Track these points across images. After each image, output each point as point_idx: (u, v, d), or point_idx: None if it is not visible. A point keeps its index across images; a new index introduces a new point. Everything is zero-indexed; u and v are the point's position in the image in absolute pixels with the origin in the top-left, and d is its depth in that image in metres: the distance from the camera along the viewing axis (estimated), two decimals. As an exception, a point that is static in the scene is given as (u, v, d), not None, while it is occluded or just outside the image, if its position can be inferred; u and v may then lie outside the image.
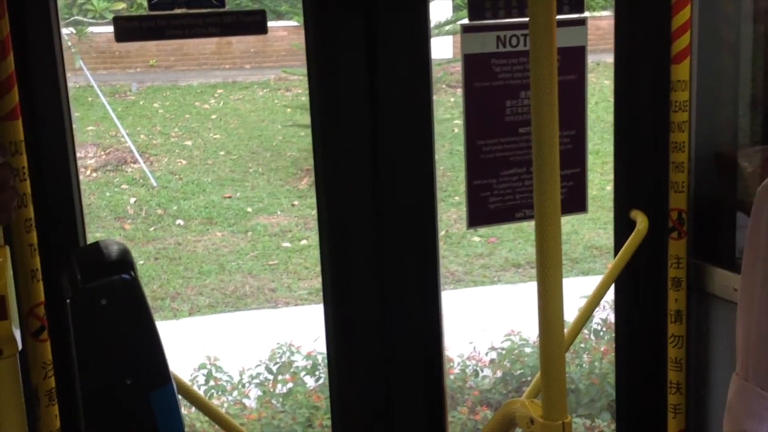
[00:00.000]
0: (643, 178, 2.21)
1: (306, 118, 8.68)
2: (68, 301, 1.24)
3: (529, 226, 6.42)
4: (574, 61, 2.06)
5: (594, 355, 4.10)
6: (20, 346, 1.16)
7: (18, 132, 1.66)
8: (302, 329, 4.84)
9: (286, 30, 9.88)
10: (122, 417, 1.25)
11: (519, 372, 4.09)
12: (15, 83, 1.66)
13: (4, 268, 1.13)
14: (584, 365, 4.01)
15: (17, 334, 1.14)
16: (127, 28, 1.81)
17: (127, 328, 1.24)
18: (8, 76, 1.65)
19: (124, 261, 1.26)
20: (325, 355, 4.06)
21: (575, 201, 2.15)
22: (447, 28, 8.49)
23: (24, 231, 1.67)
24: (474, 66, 2.02)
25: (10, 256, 1.16)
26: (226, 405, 3.95)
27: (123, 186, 7.67)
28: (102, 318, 1.22)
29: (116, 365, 1.24)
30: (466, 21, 2.03)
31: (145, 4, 1.82)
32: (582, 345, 4.14)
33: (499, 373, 4.14)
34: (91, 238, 1.93)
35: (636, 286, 2.27)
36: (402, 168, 2.05)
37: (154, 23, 1.82)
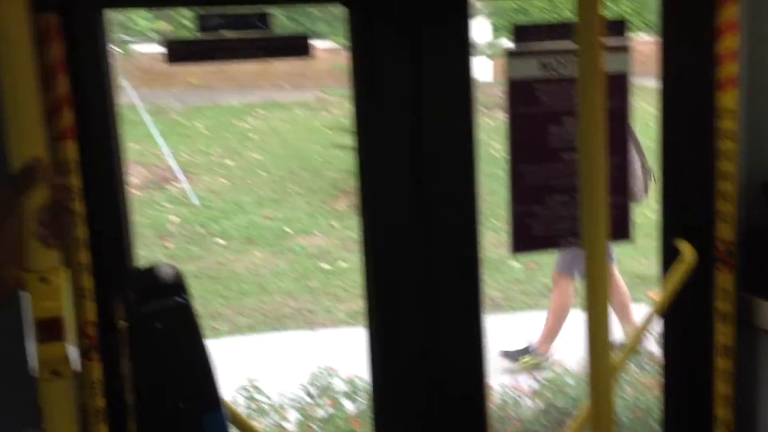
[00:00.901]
0: (690, 208, 2.17)
1: (345, 139, 8.74)
2: (124, 324, 1.26)
3: (569, 251, 6.35)
4: (617, 87, 2.04)
5: (638, 388, 4.02)
6: (75, 367, 1.17)
7: (70, 152, 1.69)
8: (341, 352, 4.83)
9: (327, 51, 9.95)
10: (174, 439, 1.26)
11: (562, 403, 4.02)
12: (68, 104, 1.70)
13: (61, 290, 1.15)
14: (628, 398, 3.93)
15: (73, 354, 1.16)
16: (179, 51, 1.85)
17: (182, 351, 1.25)
18: (62, 97, 1.69)
19: (178, 284, 1.28)
20: (365, 380, 4.04)
21: (620, 229, 2.13)
22: (488, 51, 8.49)
23: (75, 251, 1.69)
24: (518, 91, 2.02)
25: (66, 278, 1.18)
26: (265, 427, 3.95)
27: (165, 204, 7.75)
28: (157, 341, 1.23)
29: (170, 388, 1.25)
30: (510, 45, 2.04)
31: (190, 25, 1.86)
32: (626, 377, 4.06)
33: (541, 404, 4.08)
34: (135, 257, 1.96)
35: (683, 319, 2.22)
36: (445, 190, 2.05)
37: (204, 46, 1.85)
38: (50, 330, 1.13)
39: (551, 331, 4.74)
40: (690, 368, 2.24)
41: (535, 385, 4.14)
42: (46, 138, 1.20)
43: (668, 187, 2.20)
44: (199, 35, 1.85)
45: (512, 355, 4.62)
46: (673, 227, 2.18)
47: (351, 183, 8.11)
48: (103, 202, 1.85)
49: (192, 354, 1.24)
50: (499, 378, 4.19)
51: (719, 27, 2.02)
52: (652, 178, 4.40)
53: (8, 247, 1.12)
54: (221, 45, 1.85)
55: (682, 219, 2.18)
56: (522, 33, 2.00)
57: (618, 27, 2.03)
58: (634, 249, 6.46)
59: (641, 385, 4.02)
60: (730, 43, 2.01)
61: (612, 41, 2.00)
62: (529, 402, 4.08)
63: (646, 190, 4.45)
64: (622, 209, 2.12)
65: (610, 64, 2.00)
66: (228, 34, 1.85)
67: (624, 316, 4.73)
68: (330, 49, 9.84)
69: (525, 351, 4.67)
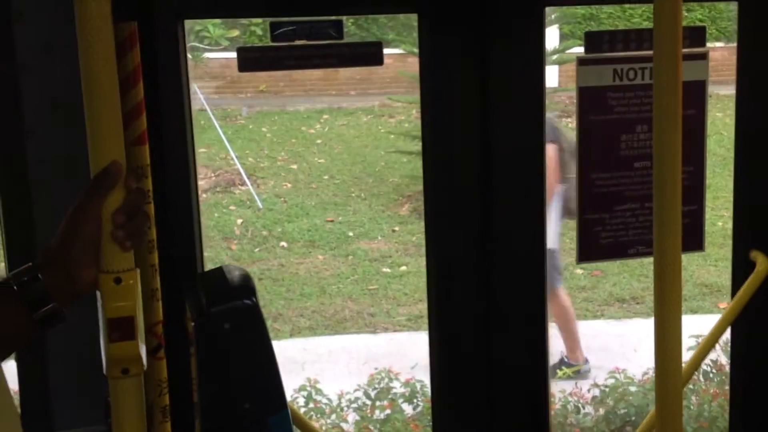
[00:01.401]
0: (765, 218, 2.13)
1: (408, 145, 8.76)
2: (193, 324, 1.28)
3: (634, 260, 6.25)
4: (694, 95, 2.01)
5: (703, 398, 3.94)
6: (145, 366, 1.20)
7: (145, 157, 1.73)
8: (400, 355, 4.83)
9: (392, 57, 9.99)
10: (240, 440, 1.28)
11: (623, 411, 3.97)
12: (144, 110, 1.73)
13: (134, 290, 1.18)
14: (693, 407, 3.86)
15: (143, 353, 1.19)
16: (250, 59, 1.87)
17: (249, 352, 1.26)
18: (138, 103, 1.72)
19: (247, 286, 1.29)
20: (424, 383, 4.04)
21: (692, 239, 2.09)
22: (554, 57, 8.41)
23: (146, 252, 1.73)
24: (589, 99, 1.99)
25: (139, 278, 1.20)
26: (324, 428, 3.98)
27: (231, 207, 7.87)
28: (225, 342, 1.25)
29: (237, 388, 1.26)
30: (580, 51, 2.01)
31: (259, 32, 1.87)
32: (691, 387, 3.99)
33: (601, 411, 4.03)
34: (203, 259, 1.99)
35: (753, 329, 2.19)
36: (512, 196, 2.04)
37: (275, 54, 1.87)
38: (122, 329, 1.15)
39: (570, 341, 4.70)
40: (758, 379, 2.20)
41: (596, 392, 4.09)
42: (123, 144, 1.23)
43: (742, 196, 2.15)
44: (271, 43, 1.87)
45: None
46: (747, 237, 2.14)
47: (413, 188, 8.14)
48: (174, 206, 1.89)
49: (259, 355, 1.26)
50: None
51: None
52: None
53: (86, 248, 1.15)
54: (293, 53, 1.87)
55: (757, 229, 2.13)
56: (594, 40, 1.98)
57: (697, 34, 2.00)
58: (703, 258, 6.33)
59: (707, 395, 3.94)
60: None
61: (689, 48, 1.96)
62: (590, 409, 4.04)
63: None
64: (695, 219, 2.08)
65: (687, 71, 1.96)
66: (300, 42, 1.87)
67: (569, 335, 4.70)
68: (395, 55, 9.88)
69: (560, 364, 4.64)
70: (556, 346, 4.76)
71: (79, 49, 1.19)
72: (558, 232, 4.74)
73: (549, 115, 4.70)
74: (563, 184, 4.54)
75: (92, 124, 1.19)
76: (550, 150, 4.46)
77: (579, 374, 4.59)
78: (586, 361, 4.73)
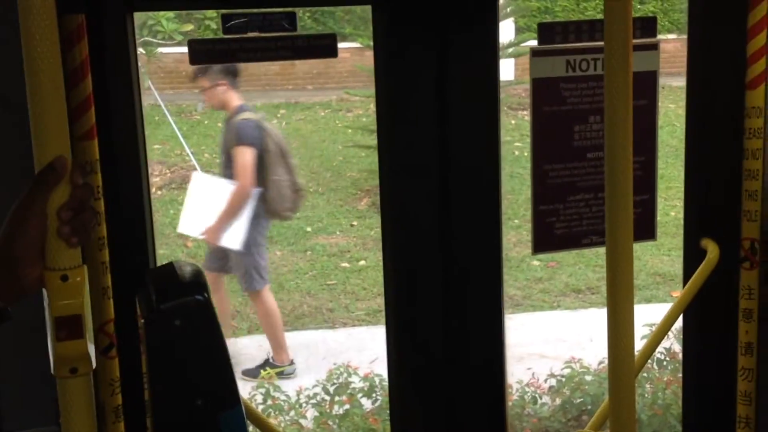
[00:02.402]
0: (715, 207, 2.16)
1: (366, 139, 8.75)
2: (143, 321, 1.26)
3: (590, 251, 6.32)
4: (645, 86, 2.03)
5: (657, 385, 4.00)
6: (94, 365, 1.17)
7: (94, 152, 1.70)
8: (359, 350, 4.83)
9: (349, 51, 9.96)
10: (192, 437, 1.26)
11: (579, 400, 4.02)
12: (92, 104, 1.70)
13: (81, 288, 1.15)
14: (647, 395, 3.91)
15: (92, 352, 1.16)
16: (201, 51, 1.85)
17: (200, 349, 1.25)
18: (86, 98, 1.69)
19: (198, 282, 1.28)
20: (382, 378, 4.04)
21: (644, 228, 2.11)
22: (510, 50, 8.46)
23: (97, 249, 1.70)
24: (543, 90, 2.00)
25: (87, 275, 1.18)
26: (283, 425, 3.96)
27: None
28: (176, 338, 1.23)
29: (188, 385, 1.25)
30: (534, 44, 2.02)
31: (214, 26, 1.85)
32: (645, 375, 4.04)
33: (558, 401, 4.07)
34: (156, 257, 1.96)
35: (705, 317, 2.22)
36: (468, 189, 2.04)
37: (227, 46, 1.85)
38: (70, 328, 1.13)
39: (275, 342, 4.81)
40: (712, 365, 2.24)
41: (553, 382, 4.13)
42: (70, 138, 1.20)
43: (693, 186, 2.18)
44: (223, 35, 1.84)
45: (252, 372, 4.66)
46: (698, 226, 2.17)
47: (371, 182, 8.13)
48: (125, 202, 1.86)
49: (211, 352, 1.24)
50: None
51: (750, 27, 2.01)
52: (303, 197, 4.59)
53: (31, 246, 1.13)
54: (245, 45, 1.85)
55: (708, 218, 2.16)
56: (547, 31, 1.99)
57: (649, 25, 2.02)
58: (656, 248, 6.42)
59: (660, 383, 4.00)
60: (760, 42, 2.00)
61: (640, 39, 1.98)
62: (546, 399, 4.07)
63: (294, 209, 4.72)
64: (647, 208, 2.10)
65: (638, 62, 1.99)
66: (253, 35, 1.84)
67: (274, 337, 4.80)
68: (352, 48, 9.85)
69: (265, 364, 4.71)
70: (266, 347, 4.83)
71: (22, 42, 1.16)
72: (263, 234, 4.78)
73: (254, 116, 4.76)
74: (262, 187, 4.57)
75: (36, 119, 1.16)
76: (248, 154, 4.48)
77: (284, 375, 4.65)
78: (292, 362, 4.81)
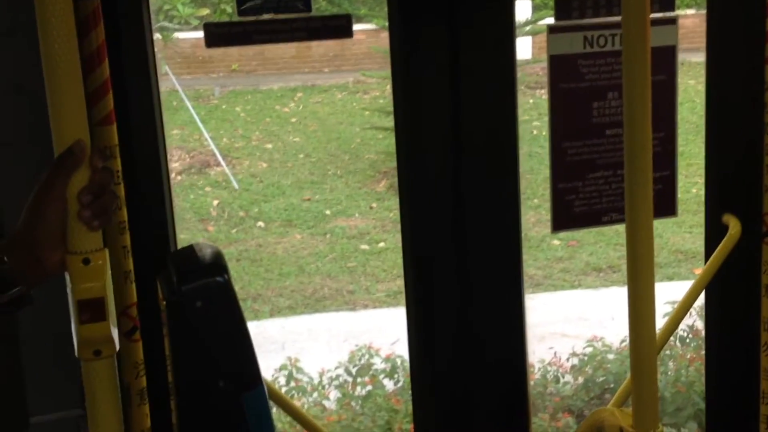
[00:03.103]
0: (737, 182, 2.14)
1: (383, 121, 8.74)
2: (164, 303, 1.26)
3: (610, 229, 6.29)
4: (664, 61, 2.01)
5: (680, 363, 3.99)
6: (117, 347, 1.18)
7: (113, 136, 1.71)
8: (381, 332, 4.85)
9: (365, 33, 9.94)
10: (215, 418, 1.27)
11: (602, 379, 4.02)
12: (110, 89, 1.71)
13: (103, 271, 1.16)
14: (670, 373, 3.91)
15: (115, 335, 1.17)
16: (217, 34, 1.84)
17: (221, 330, 1.26)
18: (103, 82, 1.70)
19: (218, 264, 1.28)
20: (404, 359, 4.06)
21: (664, 204, 2.09)
22: (527, 28, 8.40)
23: (118, 233, 1.71)
24: (560, 67, 1.99)
25: (108, 258, 1.18)
26: (306, 406, 3.99)
27: (206, 188, 7.82)
28: (197, 320, 1.24)
29: (210, 367, 1.26)
30: (551, 21, 2.00)
31: (229, 10, 1.85)
32: (668, 352, 4.03)
33: (580, 380, 4.07)
34: (177, 240, 1.98)
35: (728, 293, 2.20)
36: (485, 170, 2.04)
37: (243, 29, 1.84)
38: (92, 310, 1.14)
39: None
40: (735, 342, 2.22)
41: (575, 361, 4.12)
42: (89, 123, 1.21)
43: (714, 161, 2.16)
44: (238, 18, 1.84)
45: None
46: (719, 202, 2.15)
47: (389, 164, 8.13)
48: (144, 186, 1.87)
49: (231, 332, 1.25)
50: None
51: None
52: None
53: (52, 230, 1.14)
54: (260, 27, 1.84)
55: (730, 193, 2.14)
56: (564, 7, 1.97)
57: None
58: (677, 225, 6.39)
59: (683, 360, 3.99)
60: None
61: (659, 14, 1.96)
62: (569, 378, 4.08)
63: None
64: (667, 184, 2.09)
65: (656, 37, 1.96)
66: (268, 16, 1.84)
67: None
68: (369, 30, 9.83)
69: None
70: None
71: (38, 27, 1.17)
72: None
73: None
74: None
75: (54, 103, 1.17)
76: None
77: None
78: None
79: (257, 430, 1.27)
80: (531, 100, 9.07)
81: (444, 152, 2.01)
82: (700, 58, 2.29)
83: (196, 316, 1.24)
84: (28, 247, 1.13)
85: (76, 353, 1.18)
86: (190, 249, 1.33)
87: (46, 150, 1.23)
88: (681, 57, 2.09)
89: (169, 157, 1.98)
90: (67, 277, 1.16)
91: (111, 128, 1.71)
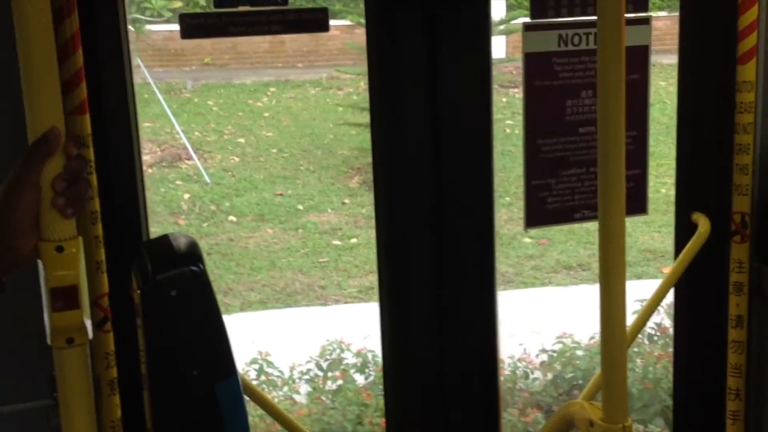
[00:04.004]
0: (706, 181, 2.17)
1: (357, 117, 8.73)
2: (138, 291, 1.26)
3: (581, 228, 6.35)
4: (637, 60, 2.03)
5: (648, 360, 4.04)
6: (90, 335, 1.18)
7: (86, 126, 1.70)
8: (352, 327, 4.85)
9: (339, 29, 9.92)
10: (188, 407, 1.27)
11: (570, 375, 4.06)
12: (83, 78, 1.70)
13: (77, 259, 1.16)
14: (638, 369, 3.95)
15: (88, 323, 1.17)
16: (193, 25, 1.84)
17: (196, 319, 1.25)
18: (77, 71, 1.69)
19: (193, 253, 1.28)
20: (375, 353, 4.06)
21: (635, 202, 2.12)
22: (501, 27, 8.44)
23: (90, 223, 1.70)
24: (535, 65, 2.00)
25: (82, 246, 1.18)
26: (276, 400, 3.98)
27: (177, 182, 7.77)
28: (172, 309, 1.24)
29: (184, 356, 1.25)
30: (527, 19, 2.02)
31: (202, 2, 1.84)
32: (636, 349, 4.08)
33: (549, 376, 4.11)
34: (149, 232, 1.97)
35: (696, 291, 2.23)
36: (460, 167, 2.05)
37: (219, 20, 1.84)
38: (65, 298, 1.13)
39: None
40: (703, 339, 2.25)
41: (544, 357, 4.16)
42: (62, 112, 1.20)
43: (684, 159, 2.19)
44: (214, 9, 1.83)
45: None
46: (688, 200, 2.18)
47: (362, 160, 8.14)
48: (117, 176, 1.86)
49: (206, 322, 1.25)
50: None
51: (741, 1, 2.01)
52: None
53: (25, 217, 1.13)
54: (236, 19, 1.84)
55: (699, 192, 2.17)
56: (539, 5, 1.98)
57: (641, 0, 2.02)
58: (647, 224, 6.46)
59: (651, 357, 4.04)
60: (751, 16, 2.00)
61: (632, 14, 1.98)
62: (538, 374, 4.11)
63: None
64: (638, 183, 2.11)
65: (630, 36, 1.99)
66: (244, 8, 1.84)
67: None
68: (342, 26, 9.81)
69: None
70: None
71: (13, 15, 1.16)
72: None
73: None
74: None
75: (29, 90, 1.16)
76: None
77: None
78: None
79: (230, 419, 1.27)
80: (504, 99, 9.12)
81: (420, 149, 2.02)
82: (672, 60, 2.32)
83: (171, 305, 1.23)
84: (1, 234, 1.12)
85: (48, 341, 1.17)
86: (165, 238, 1.33)
87: (19, 138, 1.22)
88: (653, 58, 2.11)
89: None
90: (40, 265, 1.16)
91: (84, 118, 1.70)
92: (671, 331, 2.71)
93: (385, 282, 2.09)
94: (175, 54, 10.51)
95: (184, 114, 9.32)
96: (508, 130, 8.33)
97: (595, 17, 1.48)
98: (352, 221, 7.07)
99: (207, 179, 7.81)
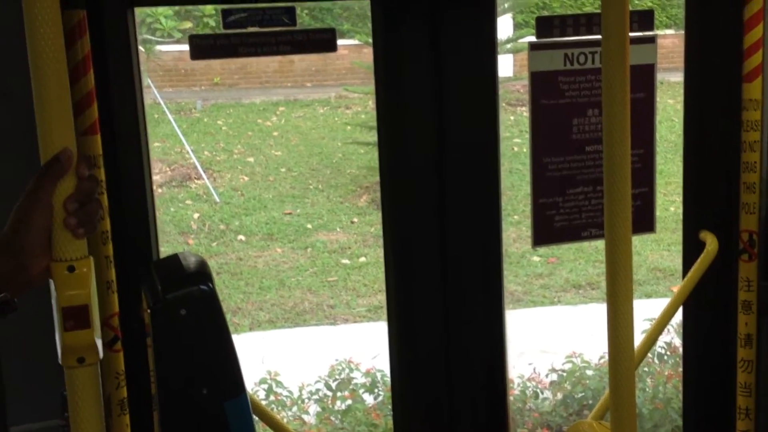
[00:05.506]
0: (714, 199, 2.17)
1: (365, 136, 8.75)
2: (149, 310, 1.27)
3: (590, 246, 6.34)
4: (643, 79, 2.04)
5: (658, 380, 4.01)
6: (101, 355, 1.19)
7: (97, 146, 1.71)
8: (361, 346, 4.84)
9: (347, 48, 9.97)
10: (197, 425, 1.28)
11: (580, 394, 4.03)
12: (95, 99, 1.72)
13: (88, 278, 1.17)
14: (648, 389, 3.93)
15: (99, 343, 1.18)
16: (202, 46, 1.86)
17: (205, 337, 1.26)
18: (88, 92, 1.71)
19: (203, 273, 1.29)
20: (384, 373, 4.05)
21: (643, 221, 2.12)
22: (508, 46, 8.47)
23: (101, 243, 1.71)
24: (541, 84, 2.01)
25: (93, 266, 1.19)
26: (285, 420, 3.97)
27: (187, 201, 7.80)
28: (181, 328, 1.25)
29: (193, 374, 1.26)
30: (533, 39, 2.03)
31: (212, 23, 1.86)
32: (646, 369, 4.06)
33: (559, 396, 4.08)
34: (159, 252, 1.97)
35: (705, 309, 2.23)
36: (467, 185, 2.05)
37: (228, 41, 1.86)
38: (77, 318, 1.14)
39: None
40: (712, 358, 2.25)
41: (554, 377, 4.14)
42: (74, 132, 1.21)
43: (692, 178, 2.19)
44: (223, 31, 1.85)
45: None
46: (696, 219, 2.18)
47: (371, 179, 8.14)
48: (127, 197, 1.87)
49: (216, 341, 1.26)
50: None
51: (747, 20, 2.02)
52: None
53: (37, 237, 1.14)
54: (245, 40, 1.86)
55: (707, 210, 2.17)
56: (545, 25, 2.00)
57: (646, 18, 2.03)
58: (656, 243, 6.44)
59: (661, 377, 4.02)
60: (756, 35, 2.01)
61: (638, 32, 1.99)
62: (548, 393, 4.08)
63: None
64: (646, 201, 2.11)
65: (635, 55, 2.00)
66: (253, 29, 1.86)
67: None
68: (350, 45, 9.87)
69: None
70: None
71: (26, 37, 1.18)
72: None
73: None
74: None
75: (42, 112, 1.17)
76: None
77: None
78: None
79: (240, 438, 1.28)
80: (512, 117, 9.13)
81: (427, 168, 2.03)
82: (679, 77, 2.33)
83: (181, 324, 1.24)
84: (14, 253, 1.13)
85: (59, 361, 1.18)
86: (175, 258, 1.34)
87: (31, 158, 1.23)
88: (660, 76, 2.12)
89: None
90: (52, 285, 1.17)
91: (95, 138, 1.72)
92: (681, 350, 2.70)
93: (393, 301, 2.09)
94: (184, 74, 10.58)
95: (193, 134, 9.36)
96: (516, 149, 8.34)
97: (600, 36, 1.49)
98: (360, 240, 7.07)
99: (216, 198, 7.84)
